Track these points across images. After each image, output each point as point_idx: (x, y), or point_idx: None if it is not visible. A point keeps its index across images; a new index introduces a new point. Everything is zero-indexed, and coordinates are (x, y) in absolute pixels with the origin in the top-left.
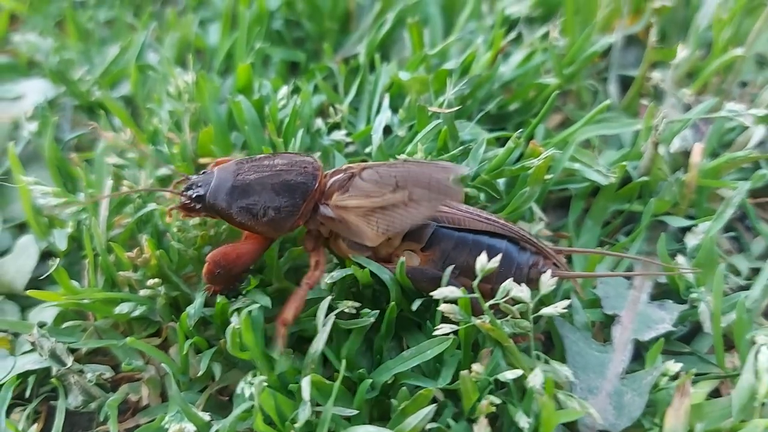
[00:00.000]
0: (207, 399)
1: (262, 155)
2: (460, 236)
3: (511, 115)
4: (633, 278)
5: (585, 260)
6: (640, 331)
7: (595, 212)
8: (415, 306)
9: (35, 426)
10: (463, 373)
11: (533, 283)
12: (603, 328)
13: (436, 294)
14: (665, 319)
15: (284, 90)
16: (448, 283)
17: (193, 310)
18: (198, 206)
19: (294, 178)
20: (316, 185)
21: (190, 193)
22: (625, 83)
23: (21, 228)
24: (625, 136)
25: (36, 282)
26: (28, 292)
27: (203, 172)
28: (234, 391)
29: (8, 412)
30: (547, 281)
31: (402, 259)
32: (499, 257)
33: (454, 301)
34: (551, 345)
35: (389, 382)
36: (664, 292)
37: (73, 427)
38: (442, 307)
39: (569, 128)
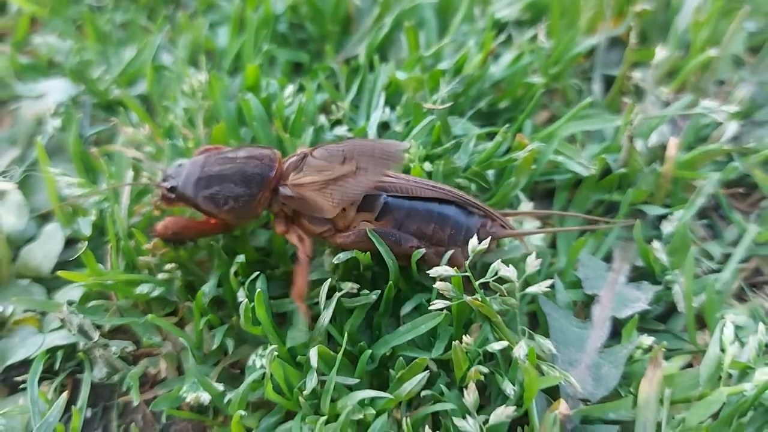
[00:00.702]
0: (220, 372)
1: (229, 148)
2: (411, 205)
3: (501, 113)
4: (613, 262)
5: (569, 242)
6: (618, 309)
7: (578, 202)
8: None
9: (63, 396)
10: (455, 343)
11: (483, 244)
12: (584, 307)
13: (432, 272)
14: (641, 298)
15: (290, 88)
16: (405, 238)
17: (208, 289)
18: (173, 195)
19: (251, 170)
20: (273, 174)
21: (165, 184)
22: (609, 82)
23: (44, 217)
24: (608, 131)
25: (61, 266)
26: (60, 273)
27: (179, 165)
28: (245, 364)
29: (38, 385)
30: (532, 263)
31: (370, 226)
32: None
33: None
34: (536, 323)
35: (387, 354)
36: (641, 275)
37: (97, 398)
38: (438, 284)
39: (553, 124)
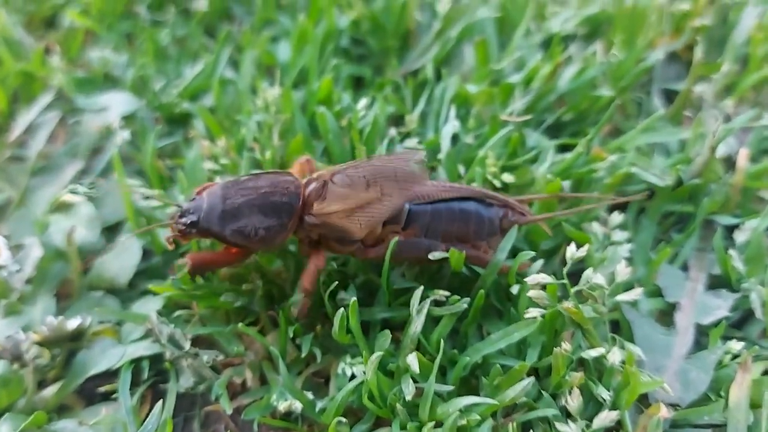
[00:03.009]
0: (304, 381)
1: (245, 177)
2: (434, 208)
3: (566, 125)
4: (690, 270)
5: (645, 252)
6: (700, 316)
7: (651, 212)
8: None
9: (158, 405)
10: (557, 350)
11: (504, 233)
12: (662, 316)
13: (529, 280)
14: (721, 305)
15: (363, 102)
16: (434, 244)
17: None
18: (193, 231)
19: (279, 199)
20: (300, 202)
21: (184, 220)
22: (666, 95)
23: (110, 230)
24: (671, 144)
25: (135, 278)
26: (151, 287)
27: (192, 199)
28: (327, 373)
29: (117, 397)
30: (622, 271)
31: (396, 238)
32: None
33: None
34: (617, 330)
35: (479, 362)
36: (717, 283)
37: (176, 410)
38: (531, 292)
39: (623, 136)
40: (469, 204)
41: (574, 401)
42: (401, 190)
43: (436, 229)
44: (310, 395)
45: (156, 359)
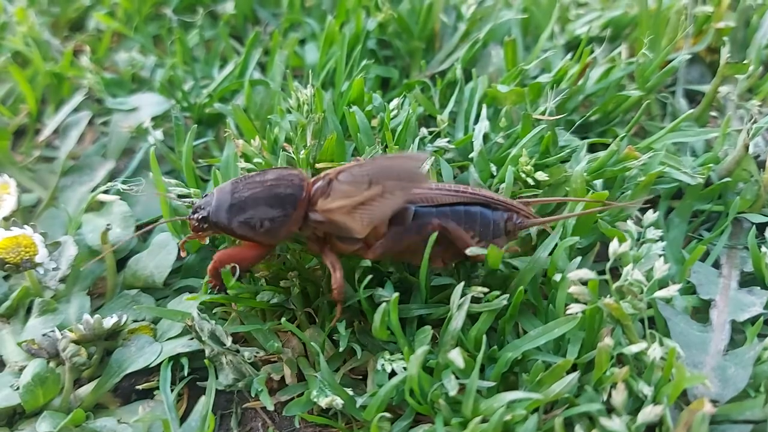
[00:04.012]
0: (341, 377)
1: (255, 173)
2: (440, 211)
3: (592, 125)
4: (722, 267)
5: (677, 249)
6: (735, 313)
7: (681, 210)
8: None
9: (201, 401)
10: (600, 345)
11: (511, 235)
12: (696, 312)
13: (571, 275)
14: (756, 303)
15: (395, 102)
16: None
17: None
18: (205, 226)
19: (283, 191)
20: (304, 194)
21: (196, 216)
22: (689, 96)
23: (139, 228)
24: (697, 143)
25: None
26: (195, 297)
27: (205, 196)
28: (364, 369)
29: (154, 395)
30: (660, 268)
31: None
32: None
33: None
34: (653, 327)
35: (518, 358)
36: (750, 280)
37: (213, 407)
38: (572, 288)
39: (653, 136)
40: (475, 208)
41: (619, 396)
42: (404, 189)
43: (440, 232)
44: (349, 391)
45: (193, 356)
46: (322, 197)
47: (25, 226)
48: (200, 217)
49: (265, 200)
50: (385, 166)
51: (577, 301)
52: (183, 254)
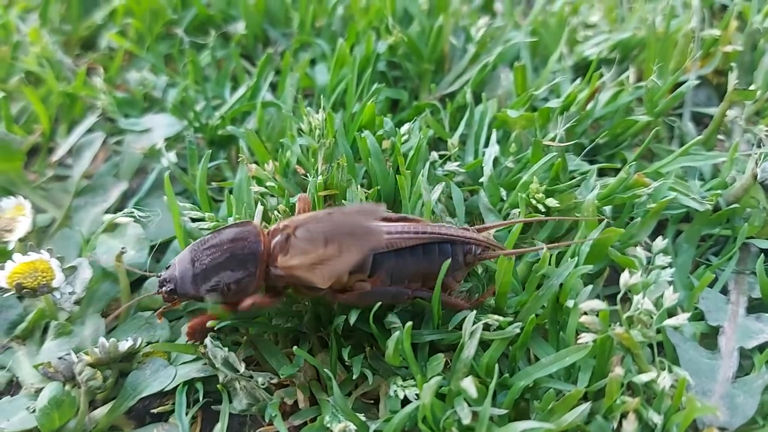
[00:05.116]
0: (353, 402)
1: (209, 236)
2: (398, 254)
3: (600, 149)
4: (730, 294)
5: (685, 276)
6: (743, 340)
7: (690, 235)
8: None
9: (218, 428)
10: (612, 375)
11: (470, 266)
12: (704, 339)
13: (583, 306)
14: (764, 330)
15: (406, 126)
16: (400, 292)
17: (353, 318)
18: (176, 297)
19: (242, 251)
20: (262, 248)
21: (164, 289)
22: (696, 119)
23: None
24: (704, 168)
25: None
26: (210, 323)
27: (167, 267)
28: (375, 395)
29: (167, 418)
30: (670, 297)
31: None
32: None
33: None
34: (661, 354)
35: (529, 385)
36: (757, 306)
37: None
38: (583, 318)
39: (661, 161)
40: (432, 246)
41: (630, 426)
42: (359, 247)
43: (402, 272)
44: (362, 416)
45: (206, 380)
46: (281, 253)
47: (42, 251)
48: (168, 290)
49: (227, 264)
50: (339, 223)
51: (587, 330)
52: (160, 321)
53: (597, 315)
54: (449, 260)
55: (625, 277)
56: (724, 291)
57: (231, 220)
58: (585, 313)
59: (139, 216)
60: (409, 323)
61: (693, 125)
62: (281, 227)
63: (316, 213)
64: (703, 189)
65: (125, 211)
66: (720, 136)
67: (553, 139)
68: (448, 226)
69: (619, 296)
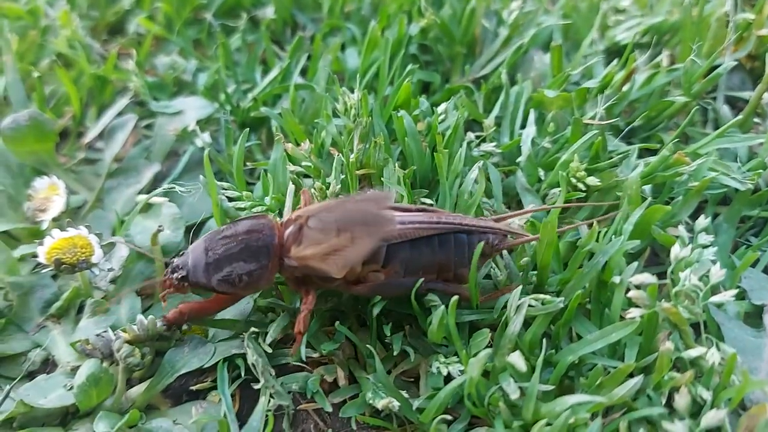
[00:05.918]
0: (393, 379)
1: (224, 226)
2: (412, 244)
3: (636, 130)
4: None
5: (726, 254)
6: None
7: (730, 216)
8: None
9: (262, 401)
10: (662, 349)
11: (487, 257)
12: (747, 318)
13: (632, 280)
14: None
15: (443, 106)
16: (414, 283)
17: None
18: (186, 284)
19: (256, 243)
20: (276, 241)
21: (175, 275)
22: (730, 102)
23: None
24: (740, 150)
25: None
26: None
27: (181, 254)
28: (415, 372)
29: (205, 395)
30: (716, 273)
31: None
32: None
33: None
34: (706, 332)
35: (575, 362)
36: None
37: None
38: (631, 293)
39: (699, 142)
40: (447, 236)
41: (682, 400)
42: (371, 235)
43: (417, 263)
44: (404, 394)
45: (245, 356)
46: (294, 244)
47: (80, 227)
48: (180, 276)
49: (240, 255)
50: (351, 211)
51: (634, 305)
52: (164, 304)
53: (645, 290)
54: (482, 243)
55: (675, 250)
56: (766, 271)
57: (267, 200)
58: (631, 289)
59: (180, 191)
60: (455, 297)
61: (728, 108)
62: (294, 218)
63: (327, 202)
64: (743, 169)
65: (163, 187)
66: (756, 120)
67: (592, 118)
68: (464, 216)
69: (669, 270)
